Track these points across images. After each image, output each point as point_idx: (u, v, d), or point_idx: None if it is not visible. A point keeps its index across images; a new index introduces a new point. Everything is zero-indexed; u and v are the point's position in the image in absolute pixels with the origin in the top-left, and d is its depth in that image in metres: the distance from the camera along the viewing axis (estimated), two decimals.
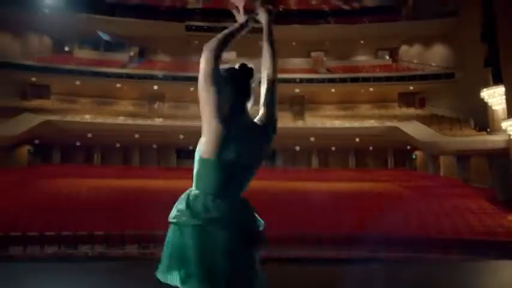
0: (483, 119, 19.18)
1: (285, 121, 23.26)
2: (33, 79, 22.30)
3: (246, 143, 1.60)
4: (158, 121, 22.37)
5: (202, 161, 1.60)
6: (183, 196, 1.62)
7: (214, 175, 1.57)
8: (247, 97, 1.69)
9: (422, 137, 19.13)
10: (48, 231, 9.19)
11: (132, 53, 25.49)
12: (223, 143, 1.56)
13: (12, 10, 21.04)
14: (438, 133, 19.00)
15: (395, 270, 7.01)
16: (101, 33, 23.46)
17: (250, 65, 1.73)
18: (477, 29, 18.33)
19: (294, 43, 25.42)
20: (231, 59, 23.92)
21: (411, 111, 23.85)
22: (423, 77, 22.72)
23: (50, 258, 8.54)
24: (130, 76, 22.94)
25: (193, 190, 1.62)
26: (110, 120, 21.52)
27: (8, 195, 12.03)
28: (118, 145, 23.83)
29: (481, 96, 17.66)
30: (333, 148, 24.35)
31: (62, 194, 12.84)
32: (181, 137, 21.53)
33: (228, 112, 1.59)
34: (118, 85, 23.35)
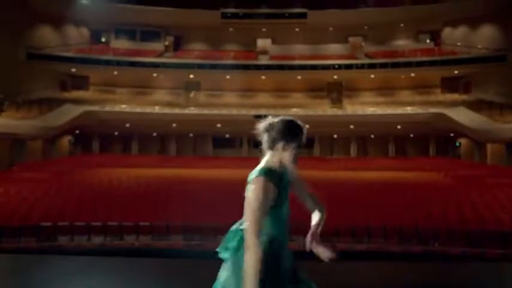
0: None
1: (323, 108, 22.73)
2: (73, 70, 22.67)
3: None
4: (194, 110, 22.31)
5: None
6: None
7: None
8: None
9: (471, 124, 18.16)
10: (95, 222, 9.24)
11: (167, 43, 25.48)
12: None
13: (51, 2, 21.39)
14: (489, 120, 17.96)
15: (452, 267, 6.58)
16: None
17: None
18: None
19: (331, 28, 24.74)
20: (267, 46, 23.36)
21: (455, 97, 22.77)
22: (470, 61, 21.51)
23: (97, 248, 8.59)
24: (166, 65, 22.91)
25: None
26: (148, 109, 21.64)
27: (53, 185, 12.26)
28: (155, 134, 24.03)
29: None
30: (372, 136, 23.67)
31: (105, 184, 12.97)
32: (219, 125, 21.42)
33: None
34: (154, 74, 23.43)
